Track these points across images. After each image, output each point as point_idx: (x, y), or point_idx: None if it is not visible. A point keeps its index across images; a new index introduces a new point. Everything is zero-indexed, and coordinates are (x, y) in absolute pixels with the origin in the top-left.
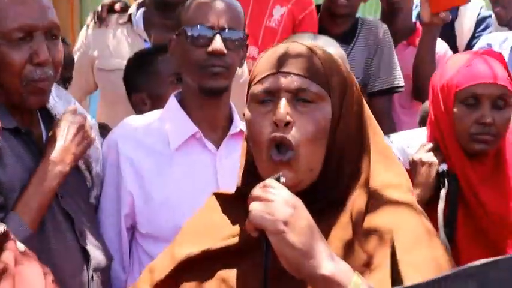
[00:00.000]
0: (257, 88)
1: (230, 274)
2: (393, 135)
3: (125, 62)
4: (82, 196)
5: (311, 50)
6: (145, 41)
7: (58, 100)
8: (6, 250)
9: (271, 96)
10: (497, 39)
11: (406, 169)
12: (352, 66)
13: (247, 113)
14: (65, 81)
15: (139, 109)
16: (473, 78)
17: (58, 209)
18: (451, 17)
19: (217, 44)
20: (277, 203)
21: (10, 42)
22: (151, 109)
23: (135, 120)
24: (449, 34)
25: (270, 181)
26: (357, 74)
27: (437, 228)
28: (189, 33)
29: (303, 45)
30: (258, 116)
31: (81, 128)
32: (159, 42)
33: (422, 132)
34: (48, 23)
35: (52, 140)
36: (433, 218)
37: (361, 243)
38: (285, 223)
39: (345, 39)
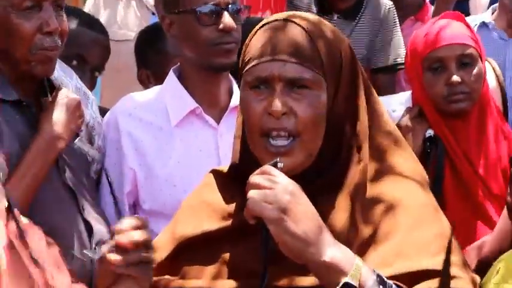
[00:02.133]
0: (250, 75)
1: (230, 255)
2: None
3: (131, 33)
4: (84, 170)
5: (306, 31)
6: (153, 14)
7: (62, 73)
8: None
9: (265, 83)
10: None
11: None
12: (356, 42)
13: (241, 97)
14: (95, 69)
15: (144, 85)
16: (434, 43)
17: (60, 184)
18: None
19: (228, 20)
20: (276, 190)
21: (20, 12)
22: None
23: (135, 97)
24: (462, 10)
25: (267, 167)
26: (360, 50)
27: None
28: (197, 12)
29: (297, 26)
30: (252, 103)
31: (79, 105)
32: None
33: (406, 96)
34: None
35: (49, 113)
36: None
37: (364, 217)
38: (284, 211)
39: (350, 15)
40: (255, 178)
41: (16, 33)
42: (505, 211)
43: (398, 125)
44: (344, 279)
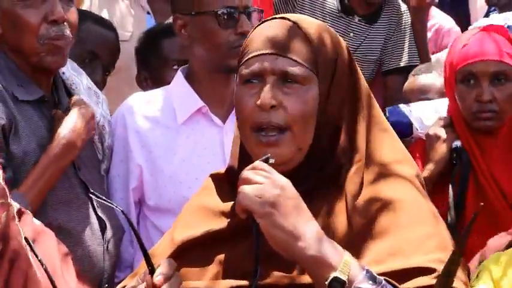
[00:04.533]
0: (244, 69)
1: (226, 256)
2: (413, 104)
3: (126, 34)
4: (96, 168)
5: (300, 27)
6: (148, 13)
7: (73, 72)
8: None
9: (257, 77)
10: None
11: (422, 141)
12: (371, 45)
13: (235, 93)
14: (105, 69)
15: (142, 87)
16: (469, 57)
17: (77, 181)
18: (437, 1)
19: (246, 24)
20: (266, 185)
21: (25, 2)
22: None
23: (143, 96)
24: (462, 10)
25: (258, 163)
26: (375, 52)
27: (447, 205)
28: (218, 15)
29: (292, 23)
30: (244, 97)
31: (92, 118)
32: (161, 15)
33: (443, 105)
34: None
35: (67, 120)
36: (444, 195)
37: (359, 215)
38: (273, 205)
39: (371, 18)
40: (246, 173)
41: (22, 25)
42: None
43: (427, 134)
44: (333, 274)
